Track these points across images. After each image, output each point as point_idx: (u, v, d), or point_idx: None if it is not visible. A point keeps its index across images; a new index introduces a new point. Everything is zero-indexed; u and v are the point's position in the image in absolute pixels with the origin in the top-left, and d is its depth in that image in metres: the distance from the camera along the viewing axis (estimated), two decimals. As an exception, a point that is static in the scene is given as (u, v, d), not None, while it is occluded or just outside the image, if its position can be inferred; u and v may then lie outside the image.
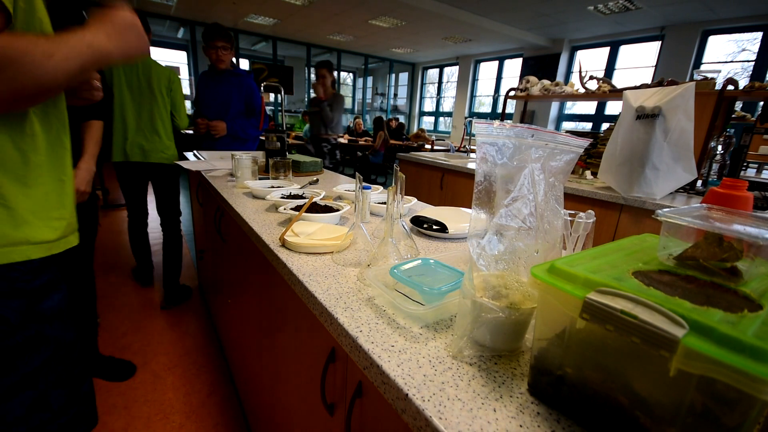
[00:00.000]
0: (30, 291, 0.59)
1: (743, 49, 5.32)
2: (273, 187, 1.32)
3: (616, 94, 2.40)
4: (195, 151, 2.27)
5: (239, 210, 1.10)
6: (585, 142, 0.48)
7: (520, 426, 0.37)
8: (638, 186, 1.69)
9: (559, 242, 0.50)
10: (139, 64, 1.93)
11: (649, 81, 2.33)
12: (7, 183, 0.56)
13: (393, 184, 0.66)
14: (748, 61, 5.25)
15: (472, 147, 3.46)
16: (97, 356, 1.62)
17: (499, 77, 8.52)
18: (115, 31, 0.60)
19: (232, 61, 2.36)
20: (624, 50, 6.43)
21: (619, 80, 3.50)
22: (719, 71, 2.30)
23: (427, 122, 11.01)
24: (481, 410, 0.39)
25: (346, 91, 11.21)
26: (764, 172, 2.63)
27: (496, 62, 8.52)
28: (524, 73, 7.55)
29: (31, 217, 0.59)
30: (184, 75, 7.92)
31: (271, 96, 7.60)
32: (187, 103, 2.83)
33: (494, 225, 0.45)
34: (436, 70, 10.37)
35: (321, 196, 1.18)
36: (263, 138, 1.80)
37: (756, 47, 5.14)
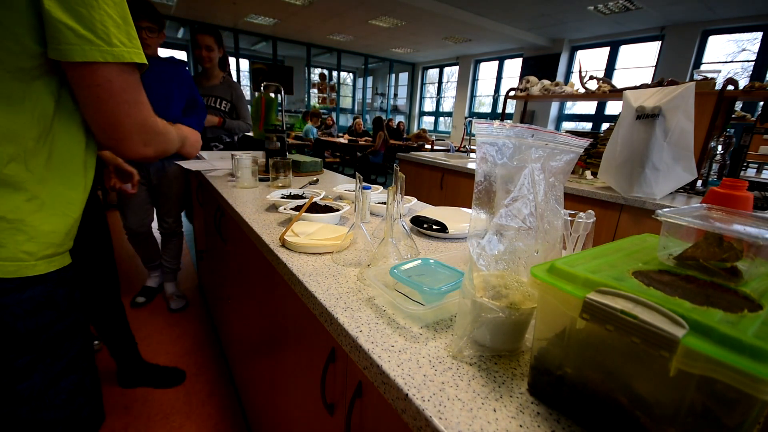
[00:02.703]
0: (68, 280, 0.66)
1: (743, 49, 5.33)
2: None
3: (616, 94, 2.40)
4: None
5: (239, 210, 1.10)
6: (585, 142, 0.48)
7: (520, 426, 0.37)
8: (638, 186, 1.69)
9: (559, 242, 0.50)
10: None
11: (649, 81, 2.33)
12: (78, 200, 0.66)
13: (393, 184, 0.66)
14: (748, 61, 5.25)
15: (472, 147, 3.46)
16: (142, 365, 1.60)
17: (499, 77, 8.53)
18: (190, 145, 0.91)
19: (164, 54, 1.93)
20: (624, 50, 6.44)
21: (619, 80, 3.50)
22: (719, 71, 2.29)
23: (427, 122, 11.01)
24: (481, 410, 0.39)
25: (346, 92, 11.20)
26: (764, 172, 2.63)
27: (496, 62, 8.52)
28: (524, 73, 7.55)
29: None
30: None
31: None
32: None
33: (494, 225, 0.45)
34: (436, 70, 10.37)
35: (321, 196, 1.18)
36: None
37: (756, 47, 5.14)
